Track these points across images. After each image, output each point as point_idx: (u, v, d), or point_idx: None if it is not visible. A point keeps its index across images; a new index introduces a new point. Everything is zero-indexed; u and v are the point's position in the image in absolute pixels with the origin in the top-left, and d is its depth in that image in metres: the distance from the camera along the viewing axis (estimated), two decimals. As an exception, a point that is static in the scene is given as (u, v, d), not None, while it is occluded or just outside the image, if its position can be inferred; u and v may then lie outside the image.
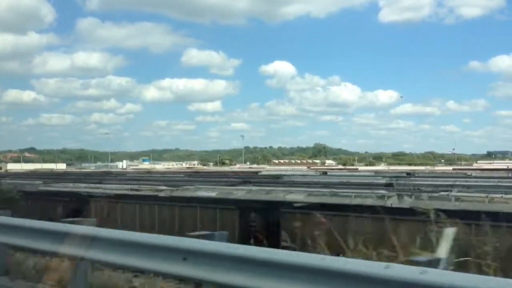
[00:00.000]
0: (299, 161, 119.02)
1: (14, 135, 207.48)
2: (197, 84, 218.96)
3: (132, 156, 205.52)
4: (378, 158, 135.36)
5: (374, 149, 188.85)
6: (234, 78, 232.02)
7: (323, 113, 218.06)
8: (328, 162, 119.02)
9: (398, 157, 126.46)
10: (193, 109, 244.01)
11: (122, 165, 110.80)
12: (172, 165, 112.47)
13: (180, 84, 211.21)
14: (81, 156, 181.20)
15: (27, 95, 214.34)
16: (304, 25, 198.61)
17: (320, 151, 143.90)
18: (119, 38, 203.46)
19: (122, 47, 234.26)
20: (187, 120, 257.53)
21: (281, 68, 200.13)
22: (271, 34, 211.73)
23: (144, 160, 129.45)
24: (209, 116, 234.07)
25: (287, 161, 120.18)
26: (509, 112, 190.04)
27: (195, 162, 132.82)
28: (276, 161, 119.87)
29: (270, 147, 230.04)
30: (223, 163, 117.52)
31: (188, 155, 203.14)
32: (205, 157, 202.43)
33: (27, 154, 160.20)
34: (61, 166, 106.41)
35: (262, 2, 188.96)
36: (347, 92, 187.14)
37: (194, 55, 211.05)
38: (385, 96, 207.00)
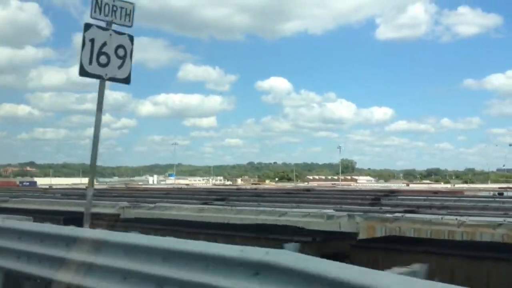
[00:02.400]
0: (336, 178, 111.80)
1: (8, 149, 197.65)
2: (193, 100, 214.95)
3: (135, 171, 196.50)
4: (408, 174, 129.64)
5: (371, 165, 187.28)
6: (230, 94, 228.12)
7: (318, 129, 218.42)
8: (366, 178, 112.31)
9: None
10: (188, 124, 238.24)
11: (153, 180, 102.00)
12: (213, 180, 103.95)
13: (176, 99, 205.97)
14: (84, 170, 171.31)
15: (22, 109, 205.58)
16: (302, 41, 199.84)
17: (347, 167, 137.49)
18: None
19: None
20: (182, 135, 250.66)
21: (277, 84, 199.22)
22: (268, 50, 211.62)
23: (170, 175, 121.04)
24: (204, 131, 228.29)
25: (322, 177, 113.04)
26: (503, 130, 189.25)
27: (221, 178, 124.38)
28: (311, 177, 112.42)
29: (275, 162, 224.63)
30: (289, 179, 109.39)
31: (193, 170, 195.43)
32: (209, 172, 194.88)
33: (28, 168, 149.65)
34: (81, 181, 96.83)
35: (260, 18, 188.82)
36: (342, 108, 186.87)
37: (191, 71, 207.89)
38: (380, 113, 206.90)
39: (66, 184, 67.41)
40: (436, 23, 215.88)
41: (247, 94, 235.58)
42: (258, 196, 19.17)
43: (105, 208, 11.54)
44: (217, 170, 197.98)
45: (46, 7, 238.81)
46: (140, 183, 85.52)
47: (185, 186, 59.55)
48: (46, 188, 35.02)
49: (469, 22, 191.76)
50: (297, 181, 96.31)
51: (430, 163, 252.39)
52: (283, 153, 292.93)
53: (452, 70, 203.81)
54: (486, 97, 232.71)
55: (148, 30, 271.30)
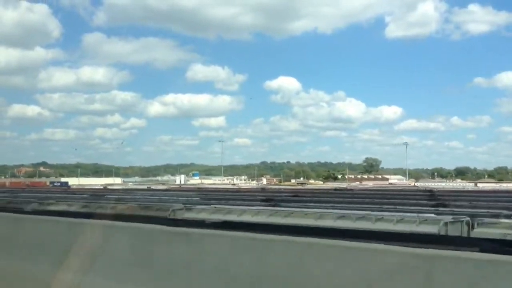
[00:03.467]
0: (365, 177, 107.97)
1: (18, 149, 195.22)
2: (202, 99, 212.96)
3: (148, 171, 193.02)
4: (437, 173, 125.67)
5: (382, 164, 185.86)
6: (239, 93, 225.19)
7: (327, 128, 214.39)
8: (397, 177, 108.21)
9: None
10: (197, 124, 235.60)
11: (180, 180, 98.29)
12: (243, 180, 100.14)
13: (185, 99, 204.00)
14: (97, 170, 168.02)
15: (31, 110, 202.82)
16: (311, 40, 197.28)
17: (372, 166, 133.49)
18: (125, 53, 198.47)
19: (128, 62, 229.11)
20: (191, 135, 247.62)
21: (286, 83, 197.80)
22: (277, 49, 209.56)
23: (194, 175, 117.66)
24: (213, 131, 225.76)
25: (351, 176, 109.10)
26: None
27: (244, 177, 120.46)
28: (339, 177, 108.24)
29: (288, 162, 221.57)
30: (335, 178, 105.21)
31: (206, 170, 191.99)
32: (225, 171, 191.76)
33: (42, 169, 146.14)
34: (104, 181, 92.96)
35: (268, 17, 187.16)
36: (351, 107, 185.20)
37: (199, 70, 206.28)
38: (389, 111, 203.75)
39: (101, 185, 63.57)
40: (446, 21, 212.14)
41: (256, 94, 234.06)
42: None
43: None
44: (231, 170, 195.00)
45: (55, 8, 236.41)
46: (177, 183, 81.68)
47: (232, 187, 55.83)
48: (110, 189, 31.07)
49: (479, 20, 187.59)
50: (347, 181, 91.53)
51: (439, 161, 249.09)
52: (292, 153, 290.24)
53: (462, 68, 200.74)
54: (496, 95, 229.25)
55: (156, 30, 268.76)
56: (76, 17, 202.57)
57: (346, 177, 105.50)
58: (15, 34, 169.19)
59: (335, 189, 30.27)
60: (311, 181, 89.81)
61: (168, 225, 7.78)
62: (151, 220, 9.39)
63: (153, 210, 11.58)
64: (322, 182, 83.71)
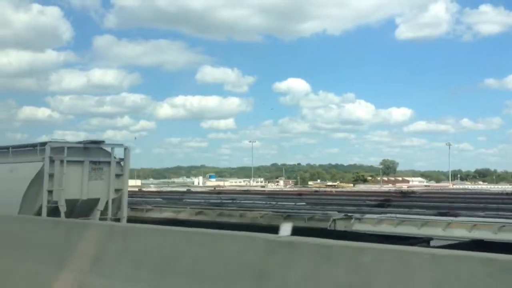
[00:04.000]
0: (385, 179, 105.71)
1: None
2: (211, 101, 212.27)
3: (159, 173, 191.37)
4: (455, 175, 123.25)
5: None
6: (248, 95, 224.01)
7: (336, 130, 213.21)
8: (418, 179, 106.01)
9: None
10: (206, 126, 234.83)
11: (198, 181, 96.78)
12: (260, 182, 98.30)
13: (194, 101, 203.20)
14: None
15: (42, 112, 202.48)
16: (320, 42, 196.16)
17: (388, 168, 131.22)
18: (135, 55, 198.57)
19: (138, 64, 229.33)
20: (200, 137, 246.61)
21: (295, 85, 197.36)
22: (286, 51, 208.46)
23: (211, 177, 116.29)
24: (221, 133, 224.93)
25: (366, 178, 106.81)
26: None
27: (261, 179, 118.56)
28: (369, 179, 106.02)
29: (299, 164, 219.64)
30: (364, 180, 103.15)
31: (218, 172, 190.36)
32: (236, 173, 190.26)
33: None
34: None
35: (277, 19, 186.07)
36: (361, 109, 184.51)
37: (209, 72, 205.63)
38: (399, 113, 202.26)
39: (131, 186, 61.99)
40: (457, 22, 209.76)
41: (265, 96, 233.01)
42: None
43: None
44: (242, 172, 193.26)
45: (67, 10, 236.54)
46: (195, 185, 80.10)
47: (274, 189, 54.08)
48: (183, 191, 29.35)
49: (491, 20, 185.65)
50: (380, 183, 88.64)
51: (451, 164, 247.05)
52: (301, 155, 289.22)
53: (473, 69, 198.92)
54: (507, 97, 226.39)
55: (166, 32, 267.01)
56: (87, 20, 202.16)
57: (378, 178, 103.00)
58: (27, 37, 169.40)
59: (402, 192, 28.70)
60: (333, 183, 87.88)
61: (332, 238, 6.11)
62: (306, 232, 7.73)
63: (302, 220, 9.99)
64: (352, 185, 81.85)
